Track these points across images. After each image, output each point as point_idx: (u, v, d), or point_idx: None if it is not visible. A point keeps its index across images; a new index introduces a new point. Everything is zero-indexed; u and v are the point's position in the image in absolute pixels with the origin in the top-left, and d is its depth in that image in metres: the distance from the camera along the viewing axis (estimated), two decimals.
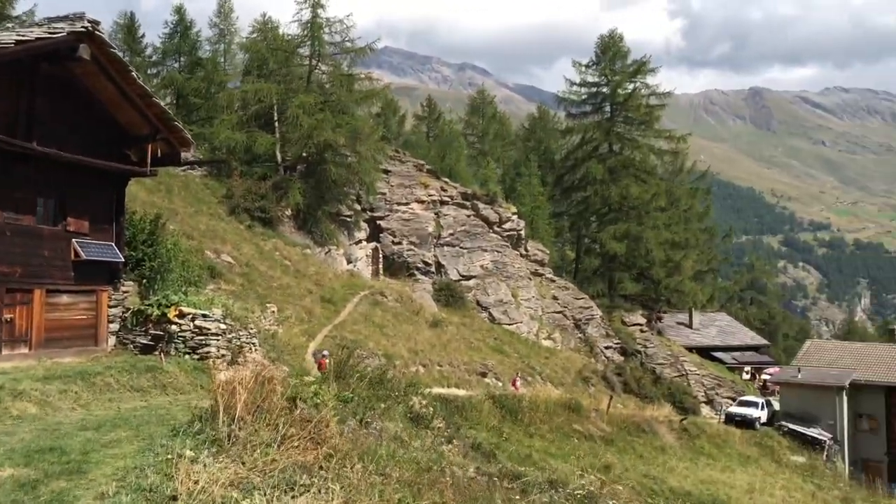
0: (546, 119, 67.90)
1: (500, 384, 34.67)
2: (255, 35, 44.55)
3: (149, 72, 45.62)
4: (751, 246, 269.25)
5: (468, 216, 47.80)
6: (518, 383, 33.24)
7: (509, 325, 43.91)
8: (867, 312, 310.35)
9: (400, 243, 44.47)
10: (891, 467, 43.25)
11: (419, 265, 44.52)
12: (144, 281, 21.79)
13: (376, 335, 31.12)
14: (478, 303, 44.46)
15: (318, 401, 11.64)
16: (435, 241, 45.83)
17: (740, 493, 31.07)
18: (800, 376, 45.14)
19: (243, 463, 7.29)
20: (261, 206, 36.53)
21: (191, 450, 7.87)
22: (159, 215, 22.44)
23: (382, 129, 46.46)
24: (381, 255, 43.74)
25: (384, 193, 44.82)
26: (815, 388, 44.69)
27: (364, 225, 43.30)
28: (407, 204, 45.59)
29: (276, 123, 40.67)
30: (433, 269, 45.03)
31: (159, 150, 18.94)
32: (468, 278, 45.44)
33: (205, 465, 6.92)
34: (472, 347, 36.83)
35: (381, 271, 43.21)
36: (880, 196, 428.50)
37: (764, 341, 64.34)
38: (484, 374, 34.34)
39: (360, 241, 42.44)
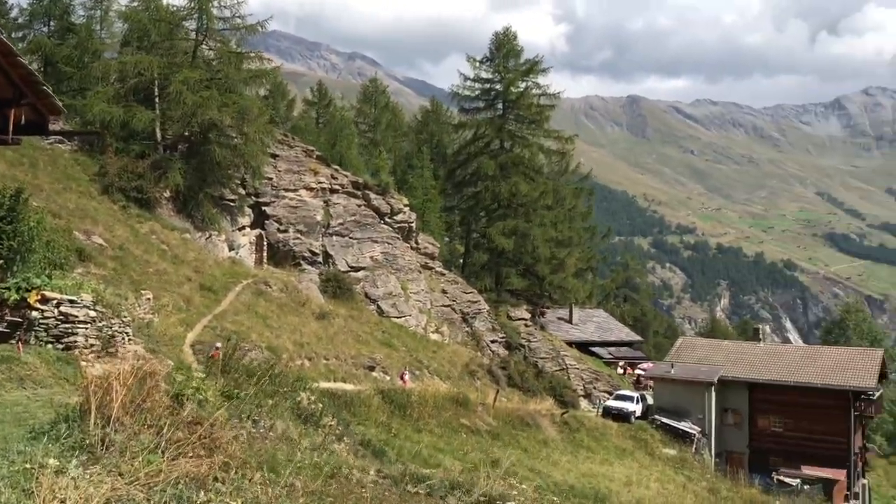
0: (439, 112, 67.61)
1: (388, 378, 33.98)
2: (136, 3, 41.58)
3: (13, 35, 41.65)
4: (623, 246, 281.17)
5: (359, 206, 46.68)
6: (406, 377, 32.64)
7: (398, 318, 43.21)
8: (726, 312, 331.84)
9: (286, 231, 42.81)
10: (751, 458, 45.77)
11: (306, 255, 43.02)
12: (1, 262, 19.53)
13: (259, 327, 29.63)
14: (366, 295, 43.48)
15: (201, 397, 10.51)
16: (323, 230, 44.44)
17: (619, 485, 31.80)
18: (673, 372, 46.96)
19: (121, 474, 6.19)
20: (137, 185, 34.00)
21: (55, 458, 6.64)
22: (21, 189, 20.16)
23: (271, 112, 44.49)
24: (265, 243, 41.94)
25: (271, 178, 43.00)
26: (687, 383, 46.60)
27: (248, 210, 41.35)
28: (295, 190, 43.94)
29: (157, 99, 38.08)
30: (321, 259, 43.65)
31: (23, 117, 16.87)
32: (357, 270, 44.36)
33: (74, 479, 5.75)
34: (359, 341, 35.90)
35: (265, 260, 41.44)
36: (741, 204, 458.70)
37: (638, 337, 66.95)
38: (372, 368, 33.48)
39: (243, 228, 40.47)
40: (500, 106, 59.54)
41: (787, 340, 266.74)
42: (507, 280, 54.54)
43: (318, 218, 44.10)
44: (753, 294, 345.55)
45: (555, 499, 18.16)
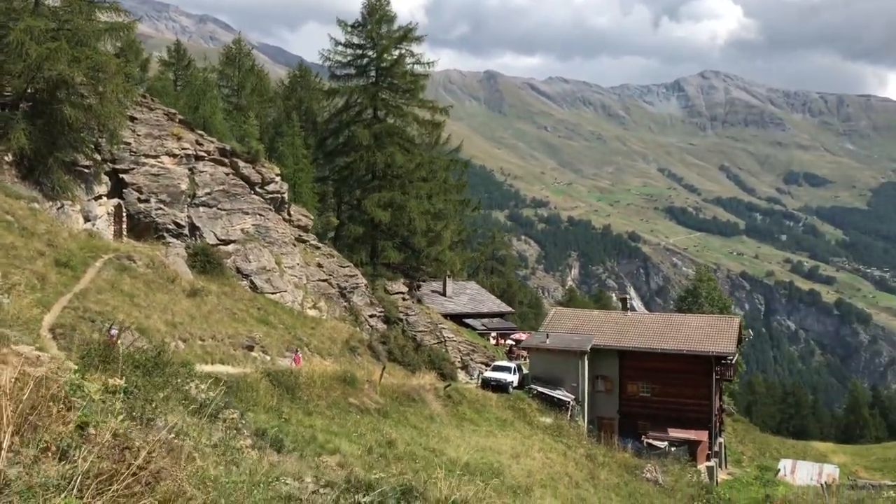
0: (307, 78, 64.52)
1: (269, 358, 31.93)
2: None
3: None
4: (481, 219, 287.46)
5: (227, 175, 43.52)
6: (300, 358, 30.93)
7: (273, 293, 40.87)
8: (576, 281, 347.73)
9: (148, 201, 39.14)
10: (621, 423, 47.39)
11: (170, 227, 39.60)
12: None
13: (126, 306, 26.64)
14: (238, 270, 40.75)
15: (87, 394, 8.54)
16: (189, 200, 41.08)
17: (508, 458, 31.69)
18: (548, 342, 47.64)
19: None
20: None
21: None
22: None
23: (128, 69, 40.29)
24: (125, 214, 38.14)
25: (129, 144, 39.02)
26: (561, 352, 47.44)
27: (105, 178, 37.33)
28: (156, 157, 40.20)
29: None
30: (187, 231, 40.36)
31: None
32: (227, 243, 41.46)
33: None
34: (235, 319, 33.46)
35: (125, 232, 37.70)
36: (590, 178, 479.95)
37: (509, 308, 67.77)
38: (251, 348, 31.25)
39: (100, 197, 36.48)
40: (373, 73, 57.61)
41: (631, 307, 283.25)
42: (383, 253, 53.14)
43: (183, 187, 40.68)
44: (601, 264, 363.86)
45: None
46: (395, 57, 56.44)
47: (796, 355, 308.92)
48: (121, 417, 7.87)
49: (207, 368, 24.04)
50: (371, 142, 54.24)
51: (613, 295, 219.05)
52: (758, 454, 58.93)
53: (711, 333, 46.36)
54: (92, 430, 6.44)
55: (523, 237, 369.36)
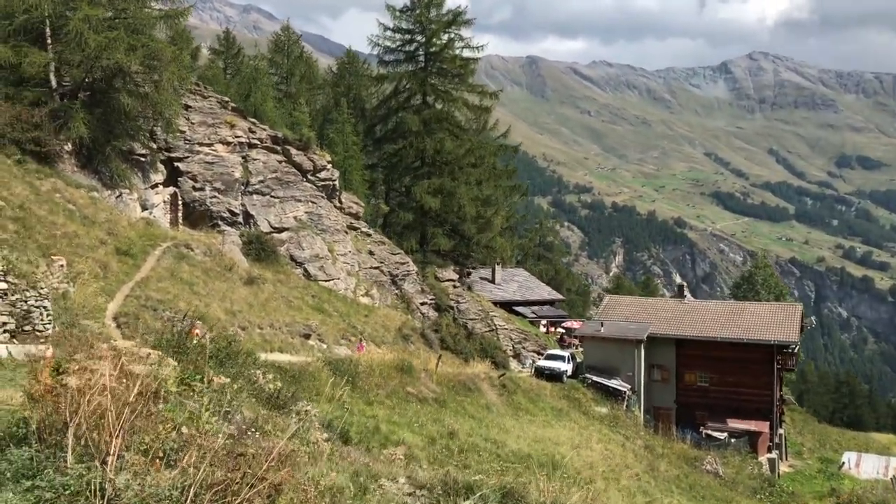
0: (355, 65, 64.20)
1: (325, 346, 31.85)
2: None
3: None
4: (524, 206, 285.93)
5: (279, 162, 43.46)
6: (363, 346, 30.81)
7: (326, 281, 40.77)
8: (620, 268, 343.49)
9: (202, 189, 39.27)
10: (678, 413, 46.31)
11: (225, 214, 39.71)
12: None
13: (186, 294, 26.64)
14: (292, 257, 40.73)
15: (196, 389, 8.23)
16: (242, 188, 41.13)
17: (567, 449, 31.02)
18: (602, 330, 46.72)
19: None
20: (34, 137, 29.72)
21: None
22: None
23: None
24: (180, 202, 38.31)
25: (184, 132, 39.16)
26: (616, 341, 46.49)
27: (161, 167, 37.51)
28: (210, 145, 40.28)
29: (50, 40, 33.42)
30: (241, 219, 40.44)
31: None
32: (280, 231, 41.44)
33: None
34: (291, 307, 33.38)
35: (180, 220, 37.87)
36: (634, 164, 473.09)
37: (559, 296, 66.77)
38: (307, 336, 31.13)
39: (156, 186, 36.67)
40: (421, 58, 56.96)
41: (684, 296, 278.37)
42: (433, 240, 52.68)
43: (237, 175, 40.72)
44: (646, 250, 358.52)
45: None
46: (444, 41, 55.72)
47: (848, 343, 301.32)
48: (208, 414, 7.47)
49: (267, 357, 23.90)
50: (420, 128, 53.71)
51: (659, 282, 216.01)
52: (818, 446, 57.19)
53: (773, 321, 44.92)
54: (194, 432, 6.01)
55: (566, 223, 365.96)
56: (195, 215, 38.56)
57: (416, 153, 54.18)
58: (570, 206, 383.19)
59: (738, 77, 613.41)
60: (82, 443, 5.59)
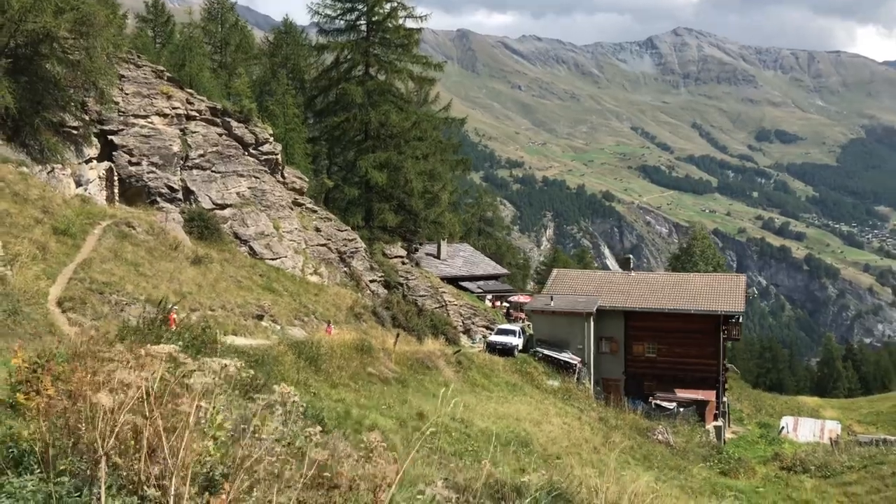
0: (294, 35, 61.82)
1: (279, 328, 30.60)
2: None
3: None
4: (457, 181, 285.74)
5: (220, 135, 41.43)
6: (332, 329, 30.61)
7: (273, 259, 39.25)
8: (551, 241, 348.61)
9: (139, 164, 37.05)
10: (627, 384, 46.87)
11: (163, 191, 37.62)
12: None
13: (132, 275, 24.97)
14: (236, 235, 39.00)
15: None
16: (181, 162, 39.04)
17: (529, 425, 30.89)
18: (553, 304, 46.69)
19: None
20: None
21: None
22: None
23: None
24: (116, 178, 36.05)
25: (118, 103, 36.77)
26: (566, 314, 46.58)
27: (94, 140, 35.12)
28: (146, 117, 38.00)
29: None
30: (180, 195, 38.40)
31: None
32: (223, 207, 39.59)
33: None
34: (241, 287, 31.93)
35: (116, 197, 35.67)
36: (564, 138, 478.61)
37: (503, 270, 66.74)
38: (260, 317, 29.84)
39: (90, 160, 34.31)
40: (364, 28, 55.24)
41: (604, 266, 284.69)
42: (379, 216, 51.47)
43: (175, 149, 38.60)
44: (575, 224, 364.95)
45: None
46: (386, 10, 54.12)
47: (767, 311, 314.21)
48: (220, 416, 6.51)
49: (223, 341, 22.65)
50: (364, 99, 52.19)
51: (591, 255, 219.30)
52: (755, 411, 59.03)
53: (718, 292, 45.73)
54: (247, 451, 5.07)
55: (499, 198, 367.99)
56: (132, 191, 36.39)
57: (360, 126, 52.69)
58: (502, 180, 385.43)
59: (663, 52, 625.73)
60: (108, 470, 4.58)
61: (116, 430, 4.29)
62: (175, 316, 16.28)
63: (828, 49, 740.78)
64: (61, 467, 4.90)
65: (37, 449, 5.10)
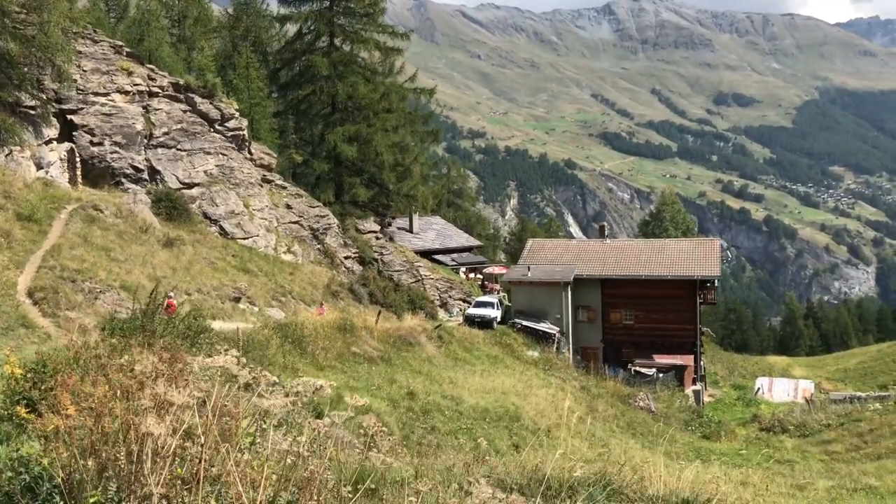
0: (254, 6, 59.85)
1: (257, 309, 29.79)
2: None
3: None
4: (426, 153, 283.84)
5: (184, 112, 39.98)
6: (324, 309, 30.35)
7: (245, 239, 38.21)
8: (515, 211, 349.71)
9: (101, 144, 35.54)
10: (605, 352, 47.01)
11: (128, 171, 36.20)
12: None
13: (104, 261, 23.88)
14: (205, 215, 37.82)
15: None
16: (146, 141, 37.61)
17: (515, 398, 30.69)
18: (530, 275, 46.46)
19: None
20: None
21: None
22: None
23: None
24: (78, 159, 34.53)
25: (76, 81, 35.10)
26: (543, 284, 46.43)
27: (53, 120, 33.51)
28: (106, 95, 36.40)
29: None
30: (146, 175, 37.03)
31: None
32: (190, 186, 38.33)
33: None
34: (216, 269, 30.97)
35: (79, 179, 34.19)
36: (525, 107, 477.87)
37: (476, 242, 66.24)
38: (238, 300, 28.99)
39: (50, 142, 32.74)
40: None
41: (569, 234, 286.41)
42: (350, 191, 50.50)
43: (139, 127, 37.12)
44: (539, 193, 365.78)
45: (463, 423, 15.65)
46: None
47: (728, 272, 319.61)
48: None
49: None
50: (330, 71, 50.87)
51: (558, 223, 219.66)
52: (728, 374, 59.87)
53: (694, 257, 45.90)
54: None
55: (462, 169, 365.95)
56: (95, 173, 34.93)
57: (326, 98, 51.42)
58: (464, 151, 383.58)
59: (621, 18, 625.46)
60: None
61: (168, 462, 3.62)
62: (175, 301, 15.51)
63: (782, 12, 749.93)
64: (91, 500, 4.22)
65: (59, 476, 4.41)
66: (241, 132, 42.95)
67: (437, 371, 30.74)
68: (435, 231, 61.66)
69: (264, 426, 5.27)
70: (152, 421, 3.58)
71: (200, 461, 3.74)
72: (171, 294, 17.72)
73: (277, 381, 6.73)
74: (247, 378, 4.73)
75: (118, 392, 4.58)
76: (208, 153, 39.92)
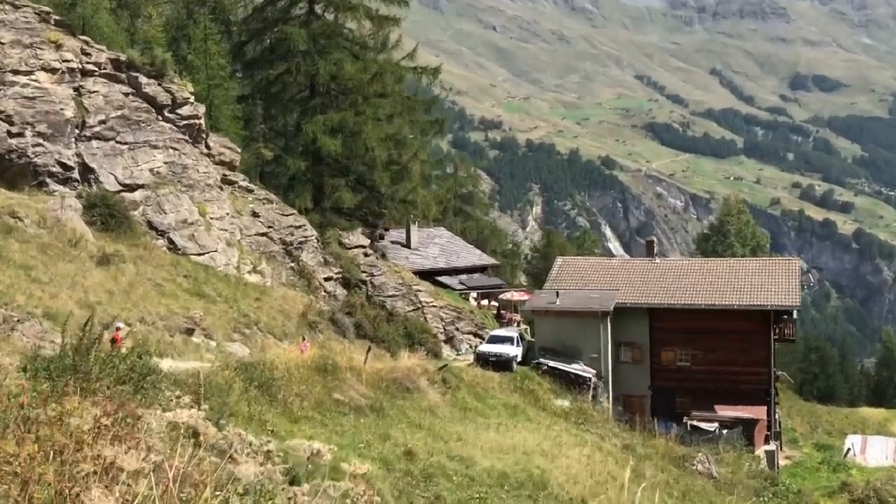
0: None
1: (214, 344, 29.97)
2: None
3: None
4: (429, 148, 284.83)
5: (126, 95, 40.28)
6: (307, 345, 31.22)
7: (199, 255, 38.49)
8: (539, 221, 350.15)
9: (21, 135, 35.77)
10: (654, 402, 46.86)
11: (54, 169, 36.45)
12: None
13: (23, 283, 24.02)
14: (150, 224, 38.13)
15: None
16: (77, 131, 37.94)
17: (541, 459, 30.76)
18: (559, 302, 46.49)
19: None
20: None
21: None
22: None
23: None
24: None
25: None
26: (575, 314, 46.49)
27: None
28: (29, 73, 36.67)
29: None
30: (77, 174, 37.32)
31: None
32: (133, 189, 38.63)
33: None
34: (163, 293, 31.22)
35: None
36: (552, 91, 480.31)
37: (491, 260, 66.38)
38: (191, 332, 29.20)
39: None
40: None
41: (607, 252, 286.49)
42: (333, 195, 50.86)
43: (68, 114, 37.42)
44: (569, 198, 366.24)
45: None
46: None
47: (809, 300, 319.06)
48: None
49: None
50: (309, 45, 51.39)
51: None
52: (810, 430, 59.72)
53: (767, 281, 45.85)
54: None
55: (473, 169, 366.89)
56: (13, 171, 35.15)
57: (304, 79, 51.92)
58: (476, 146, 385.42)
59: None
60: None
61: None
62: (121, 335, 15.63)
63: None
64: None
65: None
66: (196, 121, 43.28)
67: (441, 424, 30.81)
68: (438, 246, 61.85)
69: (231, 498, 5.22)
70: (97, 492, 3.53)
71: None
72: (120, 325, 17.81)
73: (255, 440, 6.70)
74: (215, 436, 4.68)
75: (50, 453, 4.55)
76: (155, 147, 40.22)
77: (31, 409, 5.75)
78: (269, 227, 44.19)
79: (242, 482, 4.45)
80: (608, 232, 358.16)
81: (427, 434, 27.77)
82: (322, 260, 45.99)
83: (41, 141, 36.19)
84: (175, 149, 41.20)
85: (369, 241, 51.29)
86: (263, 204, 45.44)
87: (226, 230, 41.23)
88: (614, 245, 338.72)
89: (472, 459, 26.18)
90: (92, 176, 37.73)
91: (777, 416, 48.52)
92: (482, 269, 63.49)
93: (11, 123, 35.56)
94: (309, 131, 49.57)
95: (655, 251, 53.03)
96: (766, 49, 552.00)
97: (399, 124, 55.27)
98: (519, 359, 44.32)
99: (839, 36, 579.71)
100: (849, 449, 48.86)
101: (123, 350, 12.29)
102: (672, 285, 47.43)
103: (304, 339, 32.93)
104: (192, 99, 43.37)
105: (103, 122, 38.74)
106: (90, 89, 38.83)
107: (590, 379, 44.62)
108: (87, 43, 40.22)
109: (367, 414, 27.59)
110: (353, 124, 50.40)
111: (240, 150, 46.92)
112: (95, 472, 3.80)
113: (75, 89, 38.29)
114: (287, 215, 45.87)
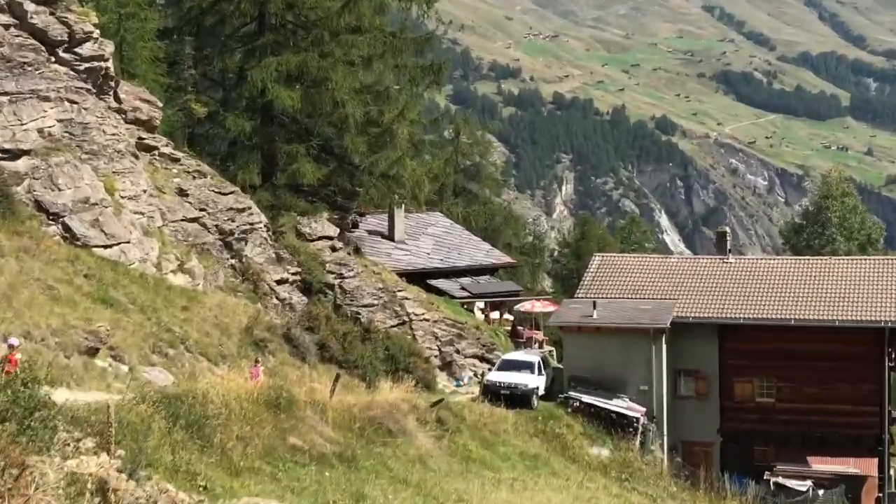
0: None
1: (126, 369, 30.27)
2: None
3: None
4: (410, 103, 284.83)
5: (7, 28, 40.68)
6: (259, 371, 31.80)
7: (106, 247, 38.81)
8: (570, 205, 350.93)
9: None
10: (725, 451, 47.20)
11: None
12: None
13: None
14: (39, 205, 38.42)
15: None
16: None
17: None
18: (595, 315, 46.77)
19: None
20: None
21: None
22: None
23: None
24: None
25: None
26: (618, 332, 46.87)
27: None
28: None
29: None
30: None
31: None
32: (15, 156, 38.93)
33: None
34: (56, 299, 31.52)
35: None
36: (588, 27, 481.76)
37: (504, 258, 66.73)
38: (94, 352, 29.49)
39: None
40: None
41: (663, 247, 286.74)
42: (290, 167, 51.17)
43: None
44: (611, 174, 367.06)
45: None
46: None
47: None
48: None
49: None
50: None
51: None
52: None
53: (881, 288, 46.21)
54: None
55: (479, 132, 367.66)
56: None
57: (251, 7, 52.05)
58: (485, 100, 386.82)
59: None
60: None
61: None
62: (17, 356, 16.03)
63: None
64: None
65: None
66: (102, 63, 43.64)
67: (435, 480, 31.21)
68: (433, 239, 62.31)
69: None
70: None
71: None
72: (14, 342, 18.14)
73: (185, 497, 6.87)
74: (132, 493, 4.78)
75: None
76: (46, 99, 40.53)
77: None
78: (202, 209, 44.60)
79: None
80: (664, 221, 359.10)
81: (416, 493, 28.10)
82: (274, 256, 46.48)
83: None
84: (73, 101, 41.46)
85: (338, 230, 51.79)
86: (194, 178, 45.85)
87: (142, 214, 41.58)
88: (672, 238, 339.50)
89: None
90: None
91: (892, 472, 48.84)
92: (492, 271, 63.96)
93: None
94: (256, 79, 49.71)
95: (729, 247, 53.36)
96: None
97: (380, 71, 55.41)
98: (541, 392, 45.01)
99: None
100: None
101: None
102: (751, 294, 47.81)
103: (257, 363, 33.49)
104: (96, 34, 43.64)
105: None
106: None
107: (637, 419, 45.04)
108: None
109: (333, 465, 27.87)
110: (316, 70, 50.52)
111: (161, 105, 47.27)
112: None
113: None
114: (226, 194, 46.23)
